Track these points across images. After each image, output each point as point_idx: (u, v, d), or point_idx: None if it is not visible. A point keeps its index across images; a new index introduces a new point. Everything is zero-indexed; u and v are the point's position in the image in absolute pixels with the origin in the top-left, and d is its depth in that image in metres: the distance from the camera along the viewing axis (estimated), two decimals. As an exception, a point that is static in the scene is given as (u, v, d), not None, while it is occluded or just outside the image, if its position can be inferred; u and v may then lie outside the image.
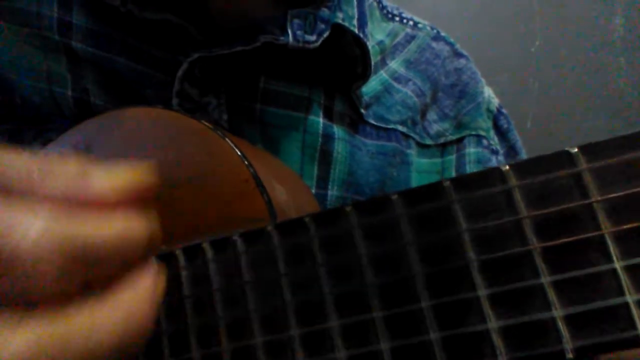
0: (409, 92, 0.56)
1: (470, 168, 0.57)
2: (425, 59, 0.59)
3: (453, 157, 0.58)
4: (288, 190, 0.37)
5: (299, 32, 0.45)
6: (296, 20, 0.45)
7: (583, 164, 0.23)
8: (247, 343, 0.27)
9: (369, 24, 0.55)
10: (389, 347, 0.24)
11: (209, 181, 0.33)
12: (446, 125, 0.58)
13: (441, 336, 0.24)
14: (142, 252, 0.22)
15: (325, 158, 0.50)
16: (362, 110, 0.53)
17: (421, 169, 0.56)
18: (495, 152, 0.59)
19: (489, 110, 0.61)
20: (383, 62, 0.57)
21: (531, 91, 1.35)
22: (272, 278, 0.27)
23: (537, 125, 1.32)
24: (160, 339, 0.29)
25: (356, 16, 0.50)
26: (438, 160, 0.58)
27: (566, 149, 0.23)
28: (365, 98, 0.54)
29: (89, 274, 0.20)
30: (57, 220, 0.19)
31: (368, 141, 0.53)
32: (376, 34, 0.58)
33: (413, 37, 0.60)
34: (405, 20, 0.62)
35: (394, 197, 0.25)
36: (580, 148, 0.23)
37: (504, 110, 0.62)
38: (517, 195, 0.24)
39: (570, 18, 1.37)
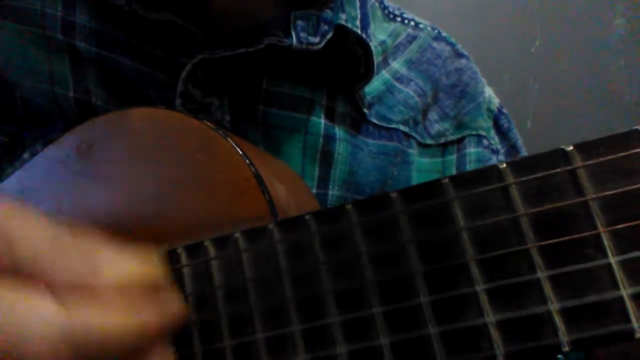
0: (411, 92, 0.57)
1: (471, 168, 0.57)
2: (426, 59, 0.60)
3: (454, 156, 0.58)
4: (289, 189, 0.37)
5: (302, 34, 0.45)
6: (299, 22, 0.46)
7: (578, 162, 0.23)
8: (249, 339, 0.27)
9: (371, 24, 0.55)
10: (389, 341, 0.25)
11: (210, 180, 0.34)
12: (447, 125, 0.59)
13: (440, 331, 0.24)
14: (153, 339, 0.21)
15: (326, 159, 0.51)
16: (365, 110, 0.53)
17: (422, 168, 0.57)
18: (495, 152, 0.60)
19: (489, 110, 0.61)
20: (385, 62, 0.58)
21: (531, 91, 1.36)
22: (274, 275, 0.27)
23: (537, 125, 1.32)
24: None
25: (359, 17, 0.50)
26: (439, 160, 0.58)
27: (562, 147, 0.24)
28: (368, 98, 0.54)
29: None
30: (63, 310, 0.19)
31: (370, 141, 0.53)
32: (378, 35, 0.59)
33: (414, 38, 0.61)
34: (406, 21, 0.62)
35: (393, 195, 0.26)
36: (576, 146, 0.23)
37: (504, 110, 0.63)
38: (514, 193, 0.24)
39: (570, 18, 1.37)
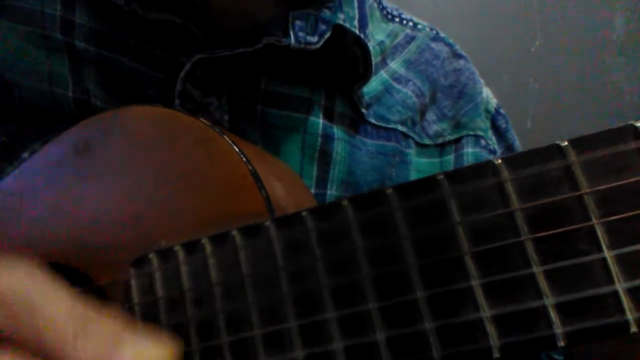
0: (409, 92, 0.57)
1: None
2: (424, 60, 0.60)
3: (451, 157, 0.58)
4: (287, 187, 0.37)
5: (300, 34, 0.45)
6: (298, 22, 0.46)
7: (573, 157, 0.23)
8: (246, 335, 0.27)
9: (370, 24, 0.55)
10: (385, 337, 0.25)
11: (207, 178, 0.34)
12: (445, 125, 0.59)
13: (436, 325, 0.24)
14: None
15: (325, 158, 0.51)
16: (363, 110, 0.54)
17: (420, 168, 0.57)
18: (493, 152, 0.60)
19: (487, 111, 0.61)
20: (383, 63, 0.58)
21: (531, 91, 1.36)
22: (270, 271, 0.28)
23: (537, 125, 1.32)
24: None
25: (357, 17, 0.50)
26: (436, 160, 0.58)
27: (557, 142, 0.24)
28: (366, 98, 0.54)
29: None
30: None
31: (368, 141, 0.53)
32: (376, 35, 0.59)
33: (413, 38, 0.61)
34: (405, 21, 0.62)
35: (389, 191, 0.26)
36: (571, 141, 0.24)
37: (502, 111, 0.63)
38: (510, 188, 0.24)
39: (570, 18, 1.37)
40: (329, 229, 0.27)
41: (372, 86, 0.55)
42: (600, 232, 0.23)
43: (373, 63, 0.51)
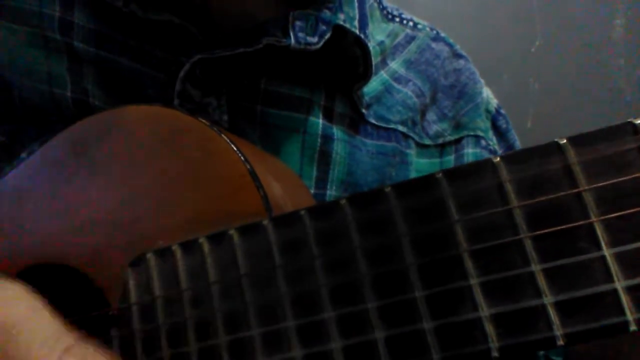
0: (409, 93, 0.57)
1: None
2: (425, 60, 0.60)
3: (452, 157, 0.58)
4: (285, 187, 0.37)
5: (300, 34, 0.45)
6: (298, 22, 0.46)
7: (572, 155, 0.23)
8: (244, 335, 0.27)
9: (370, 24, 0.55)
10: (384, 336, 0.25)
11: (205, 177, 0.34)
12: (445, 125, 0.59)
13: (434, 325, 0.24)
14: None
15: (324, 159, 0.51)
16: (363, 110, 0.53)
17: (420, 169, 0.57)
18: (493, 152, 0.60)
19: (487, 111, 0.61)
20: (383, 63, 0.58)
21: (531, 91, 1.36)
22: (268, 271, 0.27)
23: (537, 125, 1.32)
24: (158, 332, 0.29)
25: (357, 17, 0.50)
26: (437, 160, 0.58)
27: (555, 139, 0.24)
28: (366, 98, 0.54)
29: None
30: None
31: (368, 141, 0.53)
32: (377, 35, 0.59)
33: (413, 38, 0.61)
34: (405, 21, 0.62)
35: (388, 189, 0.26)
36: (569, 139, 0.23)
37: (502, 111, 0.63)
38: (508, 186, 0.24)
39: (570, 18, 1.37)
40: (327, 227, 0.27)
41: (372, 86, 0.55)
42: (599, 230, 0.22)
43: (373, 63, 0.51)
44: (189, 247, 0.30)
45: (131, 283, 0.31)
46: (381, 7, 0.62)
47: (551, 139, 0.24)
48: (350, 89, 0.52)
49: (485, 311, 0.23)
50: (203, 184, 0.34)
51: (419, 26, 0.63)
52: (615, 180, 0.22)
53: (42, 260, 0.38)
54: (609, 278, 0.22)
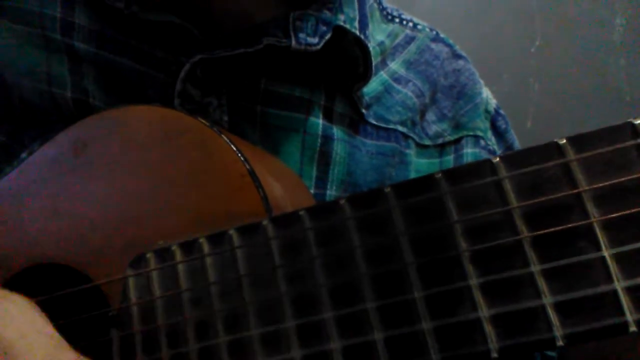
0: (409, 93, 0.57)
1: None
2: (424, 60, 0.60)
3: (451, 157, 0.58)
4: (285, 187, 0.37)
5: (301, 35, 0.45)
6: (298, 23, 0.46)
7: (571, 155, 0.23)
8: (244, 335, 0.27)
9: (370, 25, 0.55)
10: (383, 337, 0.25)
11: (205, 177, 0.34)
12: (444, 125, 0.59)
13: (433, 325, 0.24)
14: None
15: (324, 159, 0.51)
16: (363, 111, 0.53)
17: (419, 169, 0.57)
18: (492, 153, 0.60)
19: (486, 111, 0.61)
20: (383, 63, 0.58)
21: (531, 91, 1.35)
22: (268, 271, 0.27)
23: (537, 125, 1.32)
24: (158, 332, 0.29)
25: (357, 18, 0.50)
26: (436, 160, 0.58)
27: (555, 140, 0.24)
28: (366, 98, 0.54)
29: None
30: None
31: (368, 141, 0.53)
32: (377, 35, 0.59)
33: (413, 39, 0.61)
34: (404, 22, 0.62)
35: (387, 189, 0.26)
36: (569, 139, 0.23)
37: (501, 111, 0.63)
38: (508, 186, 0.24)
39: (570, 18, 1.37)
40: (327, 228, 0.27)
41: (372, 87, 0.55)
42: (598, 230, 0.22)
43: (373, 64, 0.51)
44: (189, 247, 0.30)
45: (131, 283, 0.31)
46: (381, 7, 0.62)
47: (551, 139, 0.24)
48: (350, 89, 0.52)
49: (484, 312, 0.23)
50: (203, 184, 0.34)
51: (419, 27, 0.63)
52: (614, 181, 0.22)
53: (42, 260, 0.38)
54: (609, 278, 0.22)
